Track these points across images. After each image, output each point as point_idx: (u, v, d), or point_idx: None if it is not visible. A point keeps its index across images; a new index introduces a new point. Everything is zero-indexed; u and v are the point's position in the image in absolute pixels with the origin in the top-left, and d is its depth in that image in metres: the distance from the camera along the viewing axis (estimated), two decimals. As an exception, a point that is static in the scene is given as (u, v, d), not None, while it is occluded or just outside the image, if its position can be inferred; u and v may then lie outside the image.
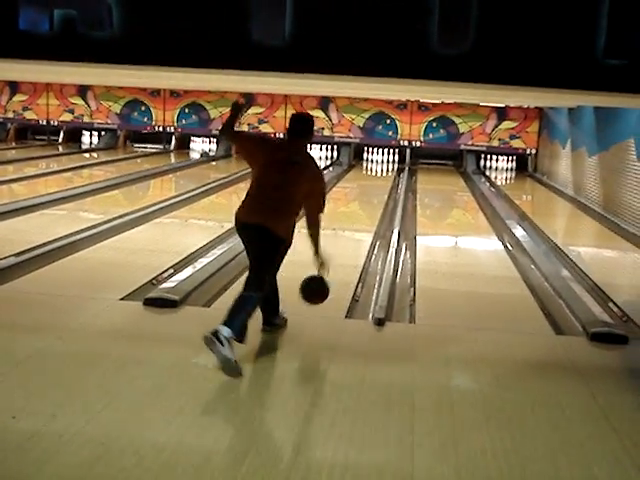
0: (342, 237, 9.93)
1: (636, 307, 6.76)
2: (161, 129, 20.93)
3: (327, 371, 4.72)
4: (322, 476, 3.41)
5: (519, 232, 10.18)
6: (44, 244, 7.64)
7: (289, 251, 5.21)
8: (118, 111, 21.03)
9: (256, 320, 5.40)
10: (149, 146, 21.09)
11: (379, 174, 19.06)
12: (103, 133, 21.44)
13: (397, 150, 20.25)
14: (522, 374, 4.97)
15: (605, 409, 4.35)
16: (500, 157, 20.09)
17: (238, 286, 6.55)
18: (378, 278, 7.15)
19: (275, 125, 19.93)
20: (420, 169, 19.19)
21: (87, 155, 19.89)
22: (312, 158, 5.33)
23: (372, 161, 20.32)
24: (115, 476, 3.32)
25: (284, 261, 5.25)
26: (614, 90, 5.52)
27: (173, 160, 19.46)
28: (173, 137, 21.04)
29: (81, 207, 11.11)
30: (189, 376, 4.58)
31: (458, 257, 9.43)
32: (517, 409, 4.36)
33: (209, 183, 14.19)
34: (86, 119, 21.19)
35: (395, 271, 7.51)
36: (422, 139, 20.02)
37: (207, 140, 21.09)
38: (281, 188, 5.00)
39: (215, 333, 4.50)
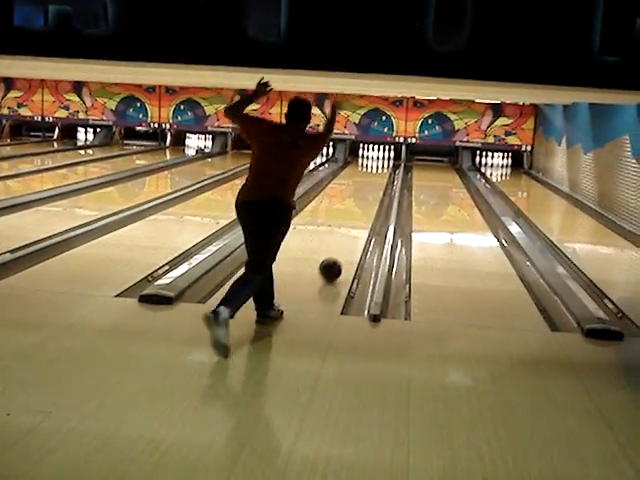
0: (337, 234, 9.93)
1: (631, 304, 6.77)
2: (156, 126, 20.90)
3: (322, 367, 4.72)
4: (317, 472, 3.41)
5: (514, 229, 10.19)
6: (39, 241, 7.62)
7: (287, 252, 5.25)
8: (113, 108, 21.00)
9: (251, 313, 5.41)
10: (139, 143, 21.06)
11: (374, 171, 19.06)
12: (98, 130, 21.41)
13: (392, 147, 20.25)
14: (517, 370, 4.97)
15: (600, 405, 4.36)
16: (495, 154, 20.11)
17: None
18: (373, 275, 7.15)
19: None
20: (415, 166, 19.21)
21: (82, 152, 19.84)
22: (311, 136, 5.46)
23: (368, 158, 20.32)
24: (110, 473, 3.31)
25: (282, 259, 5.25)
26: (609, 87, 5.53)
27: (168, 157, 19.43)
28: (168, 134, 21.02)
29: (76, 204, 11.08)
30: (184, 372, 4.58)
31: (453, 254, 9.43)
32: (512, 405, 4.36)
33: (204, 180, 14.18)
34: (81, 115, 21.15)
35: (390, 268, 7.51)
36: (417, 136, 20.03)
37: (202, 137, 21.06)
38: (286, 168, 5.20)
39: (215, 314, 4.77)
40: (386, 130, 20.05)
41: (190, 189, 12.68)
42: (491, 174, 18.92)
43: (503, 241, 9.64)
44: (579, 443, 3.90)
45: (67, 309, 5.69)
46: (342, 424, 3.93)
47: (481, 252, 9.41)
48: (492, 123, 19.70)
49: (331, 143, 19.94)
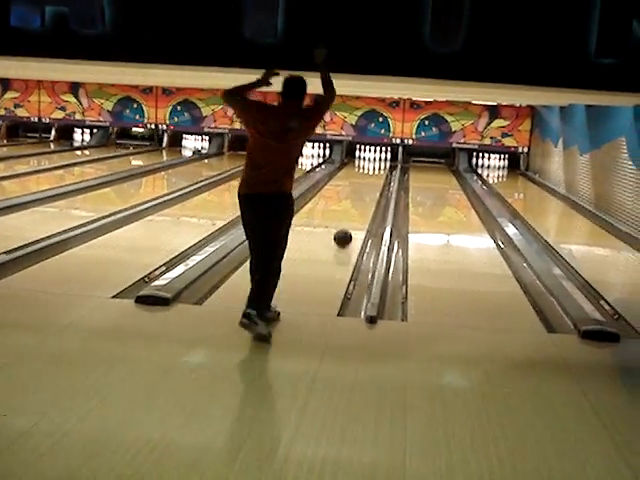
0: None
1: (627, 305, 6.78)
2: (153, 127, 20.89)
3: (319, 369, 4.72)
4: (314, 473, 3.41)
5: (511, 230, 10.20)
6: (36, 242, 7.61)
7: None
8: (110, 108, 20.97)
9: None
10: (133, 142, 21.05)
11: (371, 172, 19.06)
12: (95, 131, 21.39)
13: (389, 148, 20.24)
14: (514, 372, 4.98)
15: (596, 407, 4.37)
16: (492, 155, 20.10)
17: (230, 284, 6.60)
18: (370, 276, 7.15)
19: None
20: (412, 167, 19.20)
21: (79, 153, 19.83)
22: (305, 112, 5.32)
23: (364, 159, 20.31)
24: (107, 475, 3.31)
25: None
26: (606, 88, 5.54)
27: (165, 158, 19.42)
28: (165, 135, 21.00)
29: (73, 205, 11.07)
30: (181, 374, 4.57)
31: (450, 255, 9.44)
32: (508, 407, 4.36)
33: (201, 181, 14.17)
34: (78, 116, 21.11)
35: (387, 269, 7.51)
36: (414, 137, 20.03)
37: (199, 138, 21.04)
38: (284, 154, 5.19)
39: (247, 316, 5.14)
40: (383, 131, 20.05)
41: (187, 190, 12.66)
42: (488, 175, 18.93)
43: (500, 242, 9.64)
44: (575, 444, 3.90)
45: (64, 310, 5.68)
46: (339, 425, 3.93)
47: (478, 253, 9.41)
48: (489, 125, 19.71)
49: (327, 144, 19.96)
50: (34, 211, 9.98)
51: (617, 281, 8.44)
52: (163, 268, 6.99)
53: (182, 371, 4.63)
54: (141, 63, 5.96)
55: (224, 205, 12.87)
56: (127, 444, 3.58)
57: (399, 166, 18.96)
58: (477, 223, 11.53)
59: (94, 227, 8.67)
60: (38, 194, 11.19)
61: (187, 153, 20.50)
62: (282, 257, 5.34)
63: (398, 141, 20.08)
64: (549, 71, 5.33)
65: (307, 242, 8.82)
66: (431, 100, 19.11)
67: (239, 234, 7.26)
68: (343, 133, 19.93)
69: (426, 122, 19.92)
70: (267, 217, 5.17)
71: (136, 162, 17.90)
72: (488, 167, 20.02)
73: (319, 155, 20.04)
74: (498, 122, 19.67)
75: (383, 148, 20.30)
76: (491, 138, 19.78)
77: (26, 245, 7.42)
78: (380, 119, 19.99)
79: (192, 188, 12.99)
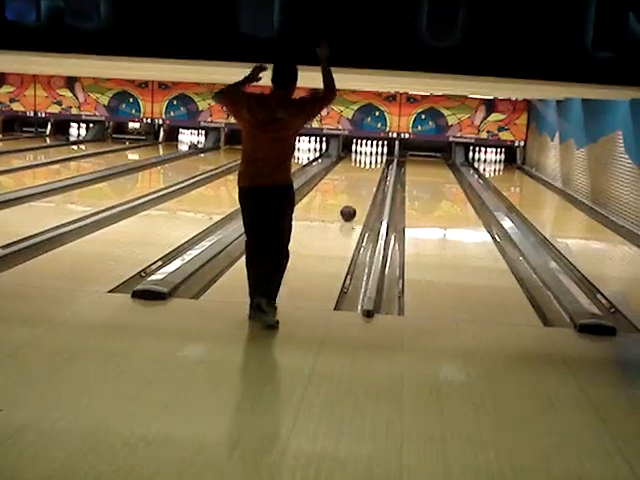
0: (330, 229, 9.93)
1: (624, 299, 6.79)
2: (149, 121, 20.85)
3: (315, 363, 4.72)
4: (311, 468, 3.41)
5: (507, 224, 10.20)
6: (32, 236, 7.60)
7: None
8: (106, 103, 20.93)
9: (245, 308, 5.40)
10: (129, 137, 21.02)
11: (368, 166, 19.05)
12: (91, 125, 21.34)
13: (386, 142, 20.22)
14: (510, 366, 4.98)
15: (593, 400, 4.37)
16: (489, 149, 20.10)
17: (227, 278, 6.60)
18: (367, 270, 7.15)
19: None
20: (409, 161, 19.19)
21: (75, 147, 19.79)
22: (296, 103, 5.31)
23: (361, 153, 20.30)
24: (104, 469, 3.30)
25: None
26: (603, 82, 5.54)
27: (161, 152, 19.39)
28: (161, 129, 20.97)
29: (69, 199, 11.06)
30: (178, 368, 4.57)
31: (446, 249, 9.45)
32: (506, 401, 4.37)
33: (198, 175, 14.14)
34: (74, 111, 21.06)
35: (384, 263, 7.51)
36: (411, 131, 20.01)
37: (196, 132, 21.02)
38: (274, 144, 5.18)
39: (258, 307, 5.23)
40: (379, 125, 20.03)
41: (183, 184, 12.65)
42: (484, 169, 18.92)
43: (496, 236, 9.65)
44: (572, 437, 3.91)
45: (59, 305, 5.68)
46: (336, 419, 3.93)
47: (474, 247, 9.42)
48: (485, 119, 19.71)
49: (324, 138, 19.95)
50: (30, 206, 9.97)
51: (613, 275, 8.44)
52: (160, 262, 6.98)
53: (179, 365, 4.63)
54: (137, 57, 5.95)
55: (221, 199, 12.88)
56: (124, 438, 3.58)
57: (395, 160, 18.95)
58: (474, 217, 11.53)
59: (90, 222, 8.66)
60: (34, 189, 11.16)
61: (183, 147, 20.47)
62: (289, 240, 5.40)
63: (395, 135, 20.06)
64: (546, 65, 5.33)
65: (304, 236, 8.81)
66: (427, 94, 19.10)
67: (236, 228, 7.26)
68: (339, 127, 19.91)
69: (423, 116, 19.90)
70: (266, 208, 5.19)
71: (132, 157, 17.87)
72: (485, 161, 20.02)
73: (315, 149, 20.02)
74: (495, 116, 19.67)
75: (380, 142, 20.27)
76: (488, 132, 19.77)
77: (22, 240, 7.41)
78: (377, 113, 19.97)
79: (188, 182, 12.97)
